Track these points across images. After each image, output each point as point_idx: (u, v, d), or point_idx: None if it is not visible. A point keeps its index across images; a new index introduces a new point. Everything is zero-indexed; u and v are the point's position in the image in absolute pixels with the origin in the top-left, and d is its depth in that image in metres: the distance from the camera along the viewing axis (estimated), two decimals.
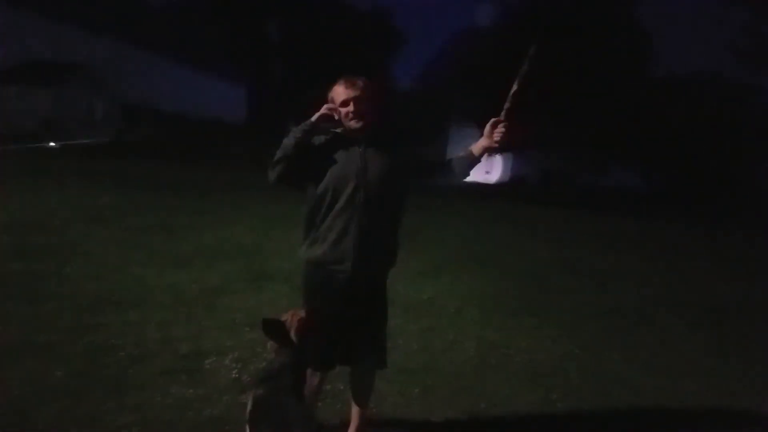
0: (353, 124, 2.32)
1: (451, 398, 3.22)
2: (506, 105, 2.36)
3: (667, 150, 23.69)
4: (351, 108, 2.30)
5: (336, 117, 2.30)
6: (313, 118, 2.29)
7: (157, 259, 5.59)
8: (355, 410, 2.62)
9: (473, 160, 2.44)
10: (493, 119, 2.37)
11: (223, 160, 18.76)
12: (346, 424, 2.66)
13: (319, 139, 2.39)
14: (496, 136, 2.36)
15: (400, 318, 4.47)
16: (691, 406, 3.47)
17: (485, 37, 23.75)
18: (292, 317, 2.21)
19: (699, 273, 8.20)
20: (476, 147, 2.42)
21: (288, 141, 2.28)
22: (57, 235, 6.09)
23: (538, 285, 6.35)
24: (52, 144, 16.91)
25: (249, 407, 2.02)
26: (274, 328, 2.20)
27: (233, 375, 3.18)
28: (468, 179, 2.63)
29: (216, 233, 7.25)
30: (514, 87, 2.35)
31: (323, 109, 2.29)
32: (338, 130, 2.40)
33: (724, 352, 4.53)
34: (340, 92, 2.31)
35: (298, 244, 2.44)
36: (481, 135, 2.43)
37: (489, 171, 29.26)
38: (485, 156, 2.50)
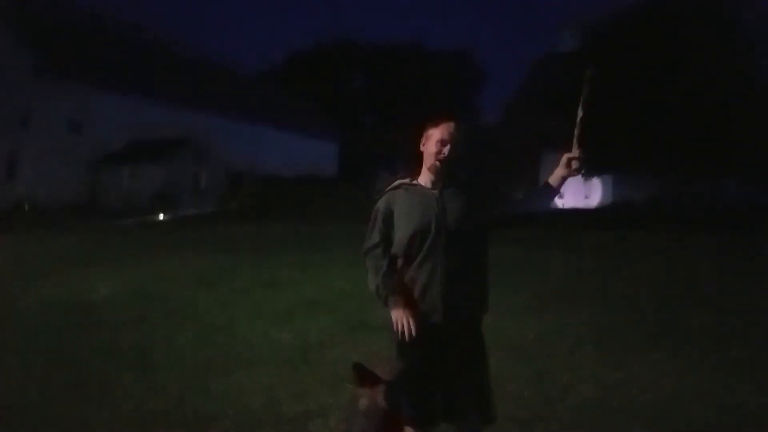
0: (440, 166, 2.27)
1: None
2: (576, 132, 2.26)
3: None
4: (448, 147, 2.26)
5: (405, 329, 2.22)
6: (393, 313, 2.25)
7: (260, 317, 5.73)
8: None
9: (552, 191, 2.31)
10: (566, 155, 2.25)
11: (320, 214, 19.36)
12: None
13: (392, 196, 2.35)
14: (574, 165, 2.25)
15: (507, 360, 4.17)
16: None
17: (567, 61, 23.13)
18: (383, 372, 2.10)
19: None
20: (553, 177, 2.30)
21: (372, 289, 2.35)
22: (166, 303, 6.44)
23: (655, 315, 5.73)
24: (161, 217, 18.37)
25: None
26: (364, 375, 2.12)
27: None
28: (567, 205, 2.48)
29: (316, 285, 7.35)
30: (580, 113, 2.26)
31: (404, 323, 2.20)
32: (407, 180, 2.37)
33: None
34: (435, 134, 2.29)
35: None
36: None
37: (588, 195, 27.85)
38: (580, 181, 2.35)
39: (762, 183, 23.55)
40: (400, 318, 2.18)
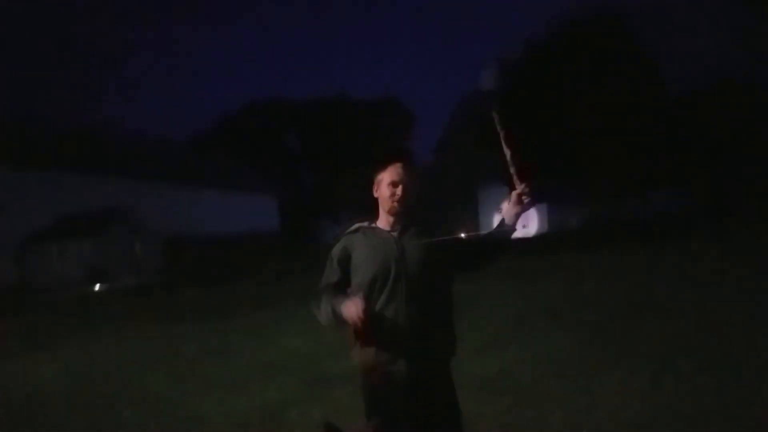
0: (397, 207, 2.25)
1: None
2: (512, 170, 2.32)
3: (699, 167, 22.99)
4: (399, 190, 2.24)
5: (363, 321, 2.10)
6: (344, 315, 2.12)
7: (213, 386, 5.44)
8: None
9: (509, 229, 2.35)
10: (514, 192, 2.31)
11: (265, 273, 18.96)
12: None
13: (349, 240, 2.31)
14: (524, 199, 2.30)
15: (472, 400, 4.10)
16: None
17: (492, 96, 24.13)
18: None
19: None
20: (507, 216, 2.33)
21: (326, 321, 2.25)
22: (113, 381, 6.04)
23: (611, 334, 5.88)
24: (97, 287, 17.50)
25: None
26: None
27: None
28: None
29: (269, 346, 7.12)
30: (507, 152, 2.32)
31: (354, 317, 2.07)
32: (365, 224, 2.33)
33: None
34: (385, 176, 2.27)
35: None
36: (508, 193, 2.37)
37: (526, 225, 28.72)
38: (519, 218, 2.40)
39: (689, 191, 25.02)
40: (352, 311, 2.05)
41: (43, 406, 5.27)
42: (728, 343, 5.16)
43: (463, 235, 2.49)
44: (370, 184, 2.35)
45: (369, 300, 2.17)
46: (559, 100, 21.80)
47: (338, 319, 2.13)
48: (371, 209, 2.39)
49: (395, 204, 2.25)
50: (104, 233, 24.05)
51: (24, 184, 24.35)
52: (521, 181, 2.30)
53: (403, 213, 2.27)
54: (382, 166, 2.32)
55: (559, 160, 21.44)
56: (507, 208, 2.34)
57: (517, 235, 2.43)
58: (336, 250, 2.31)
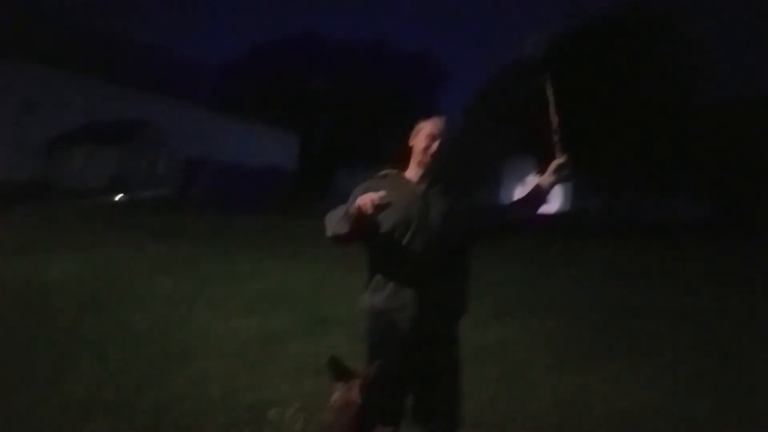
0: (429, 160, 2.23)
1: None
2: (556, 138, 2.29)
3: (733, 174, 22.49)
4: (438, 142, 2.22)
5: (373, 212, 1.99)
6: (351, 210, 2.03)
7: (219, 308, 5.63)
8: None
9: (540, 200, 2.34)
10: (554, 162, 2.29)
11: (278, 207, 19.17)
12: None
13: (375, 184, 2.27)
14: (563, 170, 2.28)
15: (466, 365, 4.18)
16: None
17: (531, 68, 23.53)
18: (358, 372, 2.09)
19: None
20: (541, 185, 2.32)
21: (336, 228, 2.14)
22: (124, 288, 6.27)
23: (612, 327, 5.91)
24: (118, 197, 17.81)
25: None
26: (341, 370, 2.10)
27: (297, 428, 3.06)
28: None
29: (275, 278, 7.29)
30: (554, 120, 2.30)
31: (367, 200, 1.95)
32: (394, 171, 2.33)
33: None
34: (426, 128, 2.26)
35: (357, 287, 2.34)
36: (537, 167, 2.35)
37: (548, 201, 28.24)
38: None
39: (715, 198, 24.59)
40: (366, 197, 1.96)
41: (55, 303, 5.47)
42: (735, 349, 5.21)
43: (487, 202, 2.48)
44: (396, 132, 2.35)
45: (385, 249, 2.19)
46: (603, 81, 21.18)
47: (348, 216, 2.05)
48: (393, 162, 2.39)
49: (428, 157, 2.22)
50: (130, 144, 24.32)
51: (57, 84, 24.57)
52: (563, 151, 2.27)
53: (433, 168, 2.25)
54: (426, 117, 2.31)
55: (593, 144, 20.96)
56: (543, 177, 2.31)
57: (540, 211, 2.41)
58: (359, 190, 2.24)
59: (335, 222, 2.15)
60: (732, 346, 5.33)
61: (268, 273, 7.69)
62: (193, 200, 20.18)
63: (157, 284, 6.52)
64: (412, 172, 2.30)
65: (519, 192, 2.63)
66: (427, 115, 2.35)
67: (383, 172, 2.34)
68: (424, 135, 2.24)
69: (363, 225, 2.05)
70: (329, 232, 2.18)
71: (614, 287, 8.36)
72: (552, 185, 2.32)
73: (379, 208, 1.96)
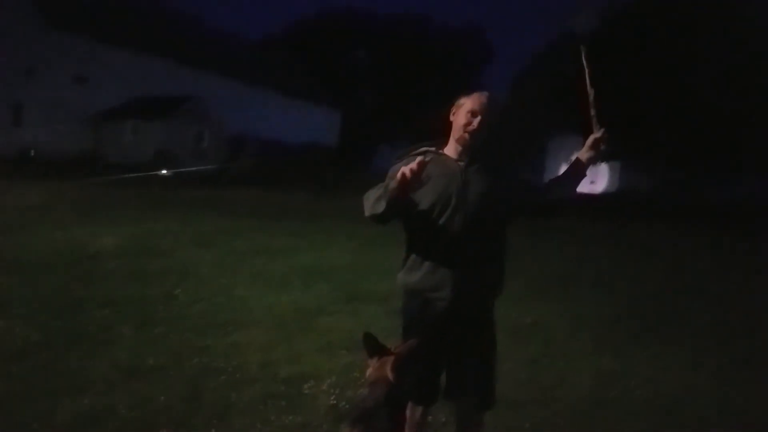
0: (468, 138, 2.16)
1: None
2: (593, 112, 2.21)
3: None
4: (478, 119, 2.14)
5: (414, 178, 1.92)
6: (392, 185, 1.97)
7: (258, 281, 5.74)
8: None
9: (580, 176, 2.26)
10: (592, 136, 2.20)
11: (320, 184, 19.32)
12: None
13: (413, 161, 2.25)
14: (602, 145, 2.20)
15: (504, 344, 4.08)
16: None
17: (580, 44, 22.76)
18: (395, 347, 2.08)
19: None
20: (580, 161, 2.24)
21: (374, 208, 2.09)
22: (167, 259, 6.45)
23: (656, 308, 5.78)
24: (164, 172, 18.30)
25: None
26: (375, 345, 2.09)
27: (331, 401, 3.09)
28: None
29: (314, 255, 7.36)
30: (591, 92, 2.22)
31: (401, 176, 1.90)
32: (433, 149, 2.26)
33: None
34: (467, 103, 2.17)
35: (393, 265, 2.32)
36: (581, 145, 2.25)
37: (594, 180, 27.63)
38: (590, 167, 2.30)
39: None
40: (407, 167, 1.90)
41: (102, 272, 5.70)
42: None
43: (528, 180, 2.41)
44: (441, 109, 2.27)
45: (424, 226, 2.16)
46: (658, 61, 20.31)
47: (387, 192, 2.00)
48: (434, 140, 2.32)
49: (467, 134, 2.15)
50: (175, 118, 24.87)
51: (106, 58, 25.25)
52: (601, 125, 2.19)
53: (473, 146, 2.18)
54: (467, 92, 2.23)
55: (644, 123, 20.24)
56: (581, 153, 2.24)
57: (582, 189, 2.32)
58: (397, 167, 2.16)
59: (373, 201, 2.11)
60: None
61: (307, 248, 7.78)
62: (236, 175, 20.54)
63: (199, 257, 6.68)
64: (451, 149, 2.25)
65: (562, 169, 2.56)
66: (469, 90, 2.26)
67: (421, 149, 2.28)
68: (464, 111, 2.17)
69: (402, 199, 2.00)
70: (367, 212, 2.16)
71: (657, 269, 8.10)
72: (590, 161, 2.23)
73: (419, 172, 1.90)
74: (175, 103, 25.48)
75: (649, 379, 3.73)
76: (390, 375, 2.05)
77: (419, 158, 1.92)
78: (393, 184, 1.98)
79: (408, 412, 2.32)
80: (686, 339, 4.73)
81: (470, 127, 2.15)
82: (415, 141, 2.36)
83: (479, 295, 2.25)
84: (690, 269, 8.32)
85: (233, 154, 26.09)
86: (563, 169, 2.34)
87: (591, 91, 2.21)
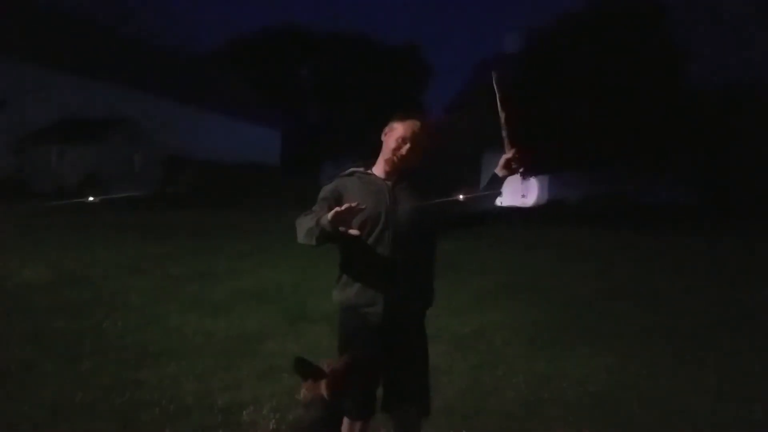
0: (397, 162, 2.23)
1: None
2: (504, 134, 2.29)
3: (711, 163, 22.91)
4: (407, 146, 2.22)
5: (346, 219, 1.97)
6: (325, 222, 1.99)
7: (196, 308, 5.57)
8: None
9: (493, 192, 2.35)
10: (503, 157, 2.29)
11: (260, 204, 19.05)
12: None
13: (342, 183, 2.30)
14: (513, 165, 2.28)
15: (445, 355, 4.27)
16: None
17: (513, 63, 23.82)
18: (328, 365, 2.08)
19: (756, 290, 7.61)
20: (493, 178, 2.34)
21: (305, 231, 2.11)
22: (97, 289, 6.16)
23: (587, 311, 6.04)
24: (91, 198, 17.54)
25: None
26: (307, 368, 2.08)
27: (271, 426, 3.04)
28: (505, 204, 2.52)
29: (254, 277, 7.23)
30: (501, 115, 2.29)
31: (334, 214, 1.94)
32: (361, 169, 2.32)
33: None
34: (398, 129, 2.24)
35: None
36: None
37: (525, 195, 28.73)
38: (518, 181, 2.41)
39: (689, 185, 25.09)
40: (335, 212, 1.93)
41: (25, 305, 5.38)
42: (702, 332, 5.30)
43: (459, 197, 2.48)
44: (381, 127, 2.31)
45: (355, 245, 2.19)
46: (580, 75, 21.41)
47: (320, 222, 2.02)
48: (362, 159, 2.37)
49: (396, 159, 2.23)
50: (104, 141, 23.87)
51: (29, 80, 23.98)
52: (512, 146, 2.28)
53: (400, 169, 2.26)
54: (401, 117, 2.27)
55: (568, 135, 21.25)
56: (497, 170, 2.32)
57: (515, 204, 2.42)
58: (327, 190, 2.30)
59: (305, 231, 2.13)
60: (701, 329, 5.44)
61: (248, 271, 7.63)
62: (171, 198, 19.94)
63: (132, 285, 6.43)
64: (380, 168, 2.31)
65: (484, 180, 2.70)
66: (404, 112, 2.31)
67: (350, 170, 2.35)
68: (395, 136, 2.24)
69: (334, 236, 2.04)
70: (299, 240, 2.18)
71: (588, 273, 8.48)
72: (502, 179, 2.32)
73: (349, 216, 1.96)
74: (105, 125, 24.48)
75: (580, 380, 3.89)
76: (325, 393, 2.05)
77: (347, 205, 1.95)
78: (323, 222, 2.00)
79: (346, 428, 2.33)
80: (615, 339, 4.96)
81: (399, 153, 2.23)
82: (358, 159, 2.41)
83: (412, 308, 2.32)
84: (617, 272, 8.73)
85: (168, 177, 25.32)
86: (483, 180, 2.43)
87: (502, 114, 2.30)
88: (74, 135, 23.33)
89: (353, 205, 1.95)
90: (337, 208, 1.95)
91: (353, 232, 1.99)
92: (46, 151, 23.57)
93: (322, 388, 2.11)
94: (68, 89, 25.20)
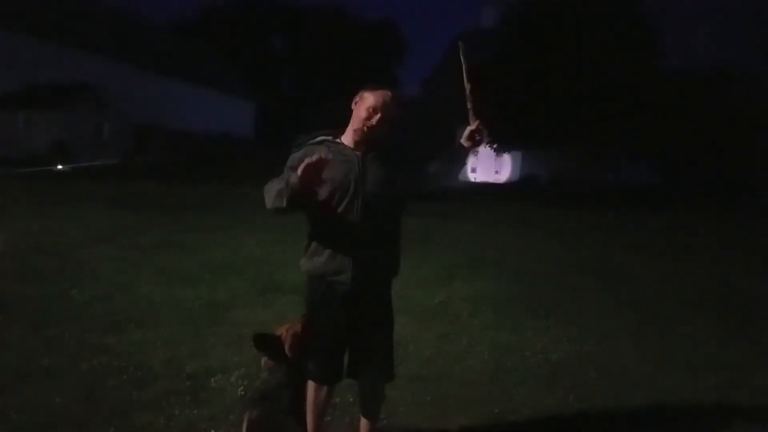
0: (367, 132, 2.23)
1: (466, 405, 3.10)
2: (469, 105, 2.31)
3: (678, 145, 23.41)
4: (378, 116, 2.21)
5: (317, 178, 2.02)
6: (295, 180, 2.02)
7: (164, 277, 5.55)
8: (364, 423, 2.50)
9: (459, 158, 2.42)
10: (468, 128, 2.32)
11: (232, 175, 18.82)
12: None
13: (311, 151, 2.26)
14: (477, 137, 2.32)
15: (412, 325, 4.36)
16: (714, 402, 3.33)
17: (489, 38, 23.79)
18: (286, 331, 2.14)
19: (714, 267, 7.93)
20: (463, 144, 2.36)
21: (275, 201, 2.14)
22: (64, 258, 6.08)
23: (552, 285, 6.21)
24: (60, 167, 17.08)
25: (244, 430, 1.93)
26: (267, 344, 2.13)
27: (239, 393, 3.09)
28: (478, 179, 2.58)
29: (225, 248, 7.21)
30: (467, 87, 2.32)
31: (303, 167, 1.98)
32: (329, 138, 2.32)
33: (744, 346, 4.36)
34: (369, 99, 2.23)
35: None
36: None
37: (498, 171, 29.13)
38: (491, 157, 2.46)
39: (659, 168, 25.68)
40: (305, 164, 1.98)
41: None
42: (663, 306, 5.53)
43: (417, 164, 2.50)
44: (351, 97, 2.31)
45: (324, 211, 2.22)
46: (556, 53, 21.50)
47: (289, 188, 2.07)
48: (330, 129, 2.37)
49: (365, 129, 2.23)
50: (73, 109, 23.17)
51: None
52: (476, 118, 2.31)
53: (370, 139, 2.27)
54: (372, 87, 2.28)
55: (542, 112, 21.43)
56: (462, 140, 2.35)
57: (488, 179, 2.47)
58: (295, 157, 2.28)
59: (275, 194, 2.15)
60: (662, 303, 5.67)
61: (219, 242, 7.60)
62: (141, 168, 19.57)
63: (99, 254, 6.35)
64: (348, 137, 2.31)
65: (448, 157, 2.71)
66: (376, 83, 2.31)
67: (319, 138, 2.34)
68: (365, 106, 2.24)
69: (302, 194, 2.07)
70: (268, 205, 2.20)
71: (554, 248, 8.72)
72: (469, 148, 2.35)
73: (318, 169, 1.98)
74: (73, 92, 23.74)
75: (542, 349, 4.03)
76: (288, 353, 2.11)
77: (318, 155, 1.98)
78: (293, 180, 2.02)
79: (312, 393, 2.40)
80: (577, 312, 5.14)
81: (369, 123, 2.23)
82: (327, 127, 2.41)
83: (379, 276, 2.36)
84: (583, 248, 8.98)
85: (138, 146, 24.78)
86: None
87: (468, 86, 2.33)
88: (40, 101, 22.61)
89: (321, 156, 1.98)
90: (307, 159, 1.97)
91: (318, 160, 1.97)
92: (12, 116, 22.80)
93: (286, 349, 2.16)
94: (34, 54, 24.30)
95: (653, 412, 3.17)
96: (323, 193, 2.21)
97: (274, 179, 2.22)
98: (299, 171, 1.99)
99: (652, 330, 4.70)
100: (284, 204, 2.10)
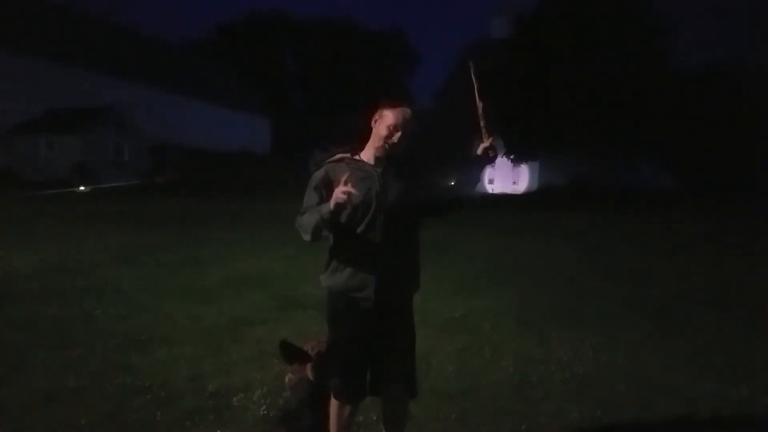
0: (388, 149, 2.25)
1: (491, 421, 3.04)
2: (482, 123, 2.33)
3: (695, 146, 23.11)
4: (399, 134, 2.23)
5: (347, 200, 2.07)
6: (327, 212, 2.12)
7: (186, 295, 5.59)
8: None
9: (474, 177, 2.48)
10: (481, 146, 2.34)
11: (250, 191, 18.99)
12: None
13: (332, 168, 2.30)
14: (490, 153, 2.33)
15: (434, 339, 4.32)
16: (747, 413, 3.22)
17: (499, 47, 23.81)
18: (312, 349, 2.12)
19: (739, 270, 7.76)
20: (474, 168, 2.42)
21: (312, 229, 2.20)
22: (87, 278, 6.17)
23: (574, 293, 6.12)
24: (81, 188, 17.40)
25: None
26: (292, 356, 2.12)
27: (262, 411, 3.08)
28: (495, 191, 2.59)
29: (245, 264, 7.24)
30: (479, 105, 2.33)
31: (338, 195, 2.06)
32: (348, 155, 2.33)
33: None
34: (389, 117, 2.24)
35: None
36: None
37: (516, 181, 28.97)
38: (509, 168, 2.47)
39: (674, 169, 25.36)
40: (337, 193, 2.06)
41: (17, 294, 5.38)
42: (687, 310, 5.42)
43: (436, 180, 2.52)
44: (370, 115, 2.32)
45: (347, 229, 2.23)
46: (567, 60, 21.46)
47: (323, 216, 2.12)
48: (347, 146, 2.38)
49: (387, 146, 2.24)
50: (92, 131, 23.68)
51: (16, 69, 23.66)
52: (489, 135, 2.32)
53: (391, 156, 2.28)
54: (392, 104, 2.28)
55: (557, 121, 21.35)
56: (474, 159, 2.36)
57: (506, 190, 2.47)
58: (317, 177, 2.30)
59: (311, 230, 2.20)
60: (686, 307, 5.56)
61: (239, 258, 7.65)
62: (161, 187, 19.84)
63: (122, 273, 6.43)
64: (369, 154, 2.32)
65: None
66: (394, 98, 2.32)
67: (337, 156, 2.35)
68: (386, 124, 2.24)
69: (338, 222, 2.16)
70: (307, 238, 2.25)
71: (573, 254, 8.62)
72: (481, 168, 2.38)
73: (349, 199, 2.05)
74: (93, 114, 24.28)
75: (567, 361, 3.95)
76: (310, 375, 2.09)
77: (348, 189, 2.03)
78: (327, 214, 2.10)
79: (336, 412, 2.38)
80: (600, 320, 5.05)
81: (390, 141, 2.24)
82: (343, 143, 2.42)
83: (400, 292, 2.35)
84: (602, 252, 8.87)
85: (157, 166, 25.16)
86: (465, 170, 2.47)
87: (480, 104, 2.33)
88: (62, 125, 23.15)
89: (348, 188, 2.03)
90: (337, 192, 2.04)
91: (348, 189, 2.03)
92: (35, 141, 23.37)
93: (307, 370, 2.15)
94: (55, 79, 24.92)
95: (685, 425, 3.08)
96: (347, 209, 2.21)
97: (303, 213, 2.26)
98: (332, 205, 2.06)
99: (678, 337, 4.60)
100: (324, 234, 2.21)
